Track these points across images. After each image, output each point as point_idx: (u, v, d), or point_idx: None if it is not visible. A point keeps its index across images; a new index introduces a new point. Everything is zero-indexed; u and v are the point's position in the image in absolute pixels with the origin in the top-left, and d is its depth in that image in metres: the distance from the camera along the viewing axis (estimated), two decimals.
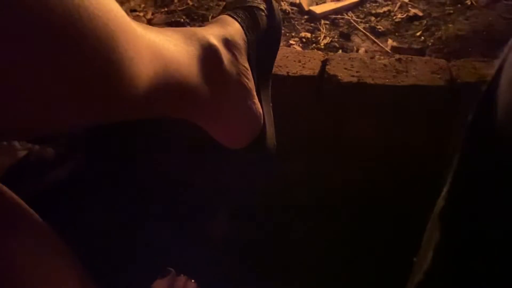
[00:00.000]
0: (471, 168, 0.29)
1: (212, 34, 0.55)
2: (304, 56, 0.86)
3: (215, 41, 0.55)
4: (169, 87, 0.45)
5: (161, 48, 0.44)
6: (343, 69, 0.82)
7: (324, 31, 1.01)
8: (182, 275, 0.72)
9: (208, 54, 0.53)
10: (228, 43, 0.57)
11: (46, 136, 0.77)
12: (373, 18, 1.04)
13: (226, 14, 0.63)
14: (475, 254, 0.29)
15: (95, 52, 0.33)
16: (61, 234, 0.45)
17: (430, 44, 0.96)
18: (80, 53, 0.32)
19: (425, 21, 1.02)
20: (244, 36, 0.60)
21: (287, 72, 0.82)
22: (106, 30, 0.33)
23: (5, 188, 0.40)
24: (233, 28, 0.60)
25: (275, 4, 0.69)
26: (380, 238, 0.87)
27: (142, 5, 1.08)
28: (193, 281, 0.72)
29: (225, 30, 0.58)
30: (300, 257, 0.87)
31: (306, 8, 1.06)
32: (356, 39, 1.00)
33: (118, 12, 0.36)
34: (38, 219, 0.41)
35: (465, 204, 0.29)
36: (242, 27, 0.61)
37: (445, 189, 0.31)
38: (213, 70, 0.54)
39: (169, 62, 0.45)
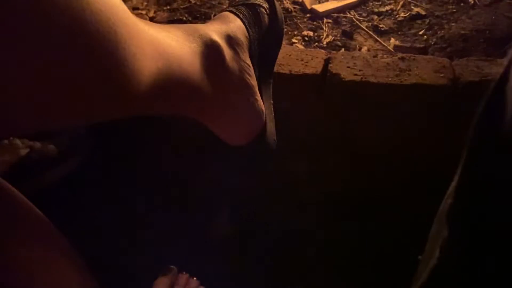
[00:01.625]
0: (480, 166, 0.29)
1: (214, 30, 0.55)
2: (307, 55, 0.85)
3: (217, 38, 0.54)
4: (171, 83, 0.45)
5: (164, 44, 0.44)
6: (346, 68, 0.82)
7: (326, 29, 1.01)
8: (184, 272, 0.72)
9: (210, 50, 0.53)
10: (230, 39, 0.57)
11: (47, 133, 0.77)
12: (375, 17, 1.04)
13: (228, 11, 0.62)
14: (483, 252, 0.29)
15: (97, 47, 0.33)
16: (63, 231, 0.45)
17: (433, 43, 0.96)
18: (82, 48, 0.32)
19: (428, 20, 1.01)
20: (246, 33, 0.60)
21: (290, 71, 0.81)
22: (108, 25, 0.33)
23: (9, 186, 0.40)
24: (235, 25, 0.59)
25: (276, 1, 0.69)
26: (382, 237, 0.87)
27: (145, 3, 1.08)
28: (195, 278, 0.72)
29: (227, 26, 0.58)
30: (301, 256, 0.87)
31: (308, 6, 1.06)
32: (358, 38, 0.99)
33: (121, 8, 0.36)
34: (43, 217, 0.41)
35: (474, 202, 0.29)
36: (244, 24, 0.61)
37: (452, 187, 0.31)
38: (215, 66, 0.53)
39: (172, 58, 0.45)
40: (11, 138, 0.75)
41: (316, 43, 0.98)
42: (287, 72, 0.81)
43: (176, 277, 0.72)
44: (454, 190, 0.30)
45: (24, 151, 0.76)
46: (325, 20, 1.03)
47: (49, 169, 0.79)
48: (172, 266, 0.72)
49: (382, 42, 0.97)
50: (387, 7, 1.06)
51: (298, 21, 1.04)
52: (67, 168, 0.81)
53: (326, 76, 0.81)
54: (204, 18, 1.04)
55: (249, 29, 0.61)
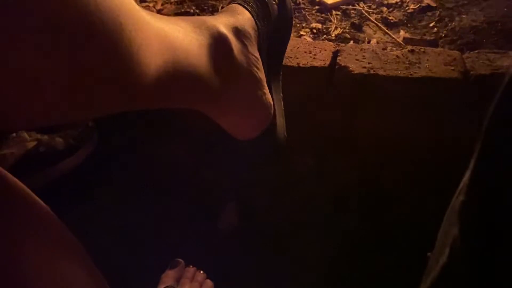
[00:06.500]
0: (494, 161, 0.28)
1: (222, 23, 0.55)
2: (315, 47, 0.84)
3: (225, 30, 0.54)
4: (178, 76, 0.44)
5: (170, 37, 0.44)
6: (355, 61, 0.81)
7: (335, 22, 1.00)
8: (191, 266, 0.72)
9: (218, 43, 0.52)
10: (238, 32, 0.56)
11: (54, 126, 0.77)
12: (385, 9, 1.03)
13: (236, 3, 0.62)
14: (495, 251, 0.28)
15: (102, 39, 0.32)
16: (69, 224, 0.45)
17: (443, 35, 0.94)
18: (86, 40, 0.31)
19: (438, 12, 1.00)
20: (254, 25, 0.59)
21: (298, 63, 0.81)
22: (113, 16, 0.33)
23: (13, 179, 0.39)
24: (243, 17, 0.59)
25: None
26: (388, 234, 0.86)
27: None
28: (202, 271, 0.72)
29: (235, 19, 0.57)
30: (306, 254, 0.87)
31: None
32: (367, 30, 0.98)
33: None
34: (48, 211, 0.41)
35: (487, 199, 0.28)
36: (252, 16, 0.60)
37: (464, 183, 0.30)
38: (222, 59, 0.53)
39: (178, 50, 0.44)
40: (19, 131, 0.75)
41: (325, 36, 0.97)
42: (295, 64, 0.81)
43: (183, 270, 0.72)
44: (466, 186, 0.30)
45: (31, 144, 0.76)
46: (333, 12, 1.02)
47: (56, 162, 0.79)
48: (179, 260, 0.72)
49: (392, 35, 0.96)
50: None
51: (307, 13, 1.03)
52: (74, 161, 0.81)
53: (334, 69, 0.80)
54: (212, 10, 1.03)
55: (257, 21, 0.61)
